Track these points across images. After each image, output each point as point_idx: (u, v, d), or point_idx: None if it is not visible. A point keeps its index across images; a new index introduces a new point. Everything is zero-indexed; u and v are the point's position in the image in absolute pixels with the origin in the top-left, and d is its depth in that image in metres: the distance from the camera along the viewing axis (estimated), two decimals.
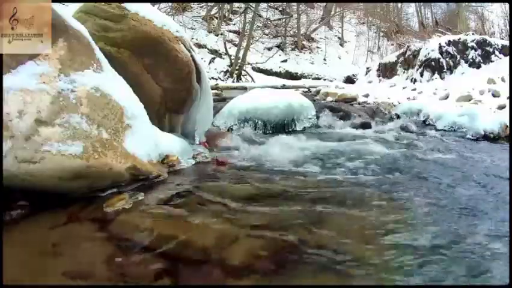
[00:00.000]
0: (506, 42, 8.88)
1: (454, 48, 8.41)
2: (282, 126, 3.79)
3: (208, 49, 16.54)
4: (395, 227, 1.50)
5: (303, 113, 3.98)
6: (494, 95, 5.92)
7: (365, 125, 4.31)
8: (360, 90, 7.84)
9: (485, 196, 1.93)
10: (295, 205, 1.72)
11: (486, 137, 3.71)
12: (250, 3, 16.00)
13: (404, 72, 9.19)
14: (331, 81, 15.85)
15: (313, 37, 20.44)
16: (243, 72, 15.29)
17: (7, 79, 1.54)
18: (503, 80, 6.80)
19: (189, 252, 1.29)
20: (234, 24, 18.89)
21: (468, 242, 1.38)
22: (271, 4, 20.17)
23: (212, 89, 4.26)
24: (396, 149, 3.11)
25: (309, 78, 17.06)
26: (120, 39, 2.52)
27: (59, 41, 1.79)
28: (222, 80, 14.16)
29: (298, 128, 3.89)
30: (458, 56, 8.35)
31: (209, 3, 18.24)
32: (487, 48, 8.42)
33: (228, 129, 3.63)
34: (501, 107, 5.03)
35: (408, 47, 9.62)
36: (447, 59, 8.32)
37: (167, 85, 2.73)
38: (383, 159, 2.67)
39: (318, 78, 16.93)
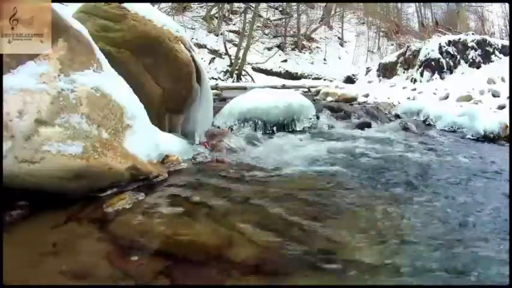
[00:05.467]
0: (506, 42, 8.90)
1: (454, 48, 8.42)
2: (282, 126, 3.79)
3: (208, 49, 16.56)
4: (394, 226, 1.51)
5: (303, 113, 3.98)
6: (494, 95, 5.93)
7: (365, 125, 4.31)
8: (360, 90, 7.87)
9: (484, 196, 1.93)
10: (295, 205, 1.72)
11: (486, 137, 3.72)
12: (250, 3, 16.02)
13: (404, 72, 9.20)
14: (331, 81, 15.88)
15: (313, 37, 20.46)
16: (243, 72, 15.33)
17: (7, 79, 1.53)
18: (503, 80, 6.81)
19: (189, 252, 1.29)
20: (234, 24, 18.91)
21: (468, 242, 1.38)
22: (271, 4, 20.18)
23: (212, 89, 4.26)
24: (396, 149, 3.11)
25: (309, 78, 17.09)
26: (120, 39, 2.52)
27: (59, 41, 1.78)
28: (222, 80, 14.20)
29: (298, 128, 3.88)
30: (458, 56, 8.36)
31: (209, 3, 18.25)
32: (487, 48, 8.44)
33: (228, 129, 3.63)
34: (501, 107, 5.05)
35: (408, 47, 9.64)
36: (447, 59, 8.33)
37: (168, 85, 2.73)
38: (383, 160, 2.67)
39: (318, 78, 16.96)
